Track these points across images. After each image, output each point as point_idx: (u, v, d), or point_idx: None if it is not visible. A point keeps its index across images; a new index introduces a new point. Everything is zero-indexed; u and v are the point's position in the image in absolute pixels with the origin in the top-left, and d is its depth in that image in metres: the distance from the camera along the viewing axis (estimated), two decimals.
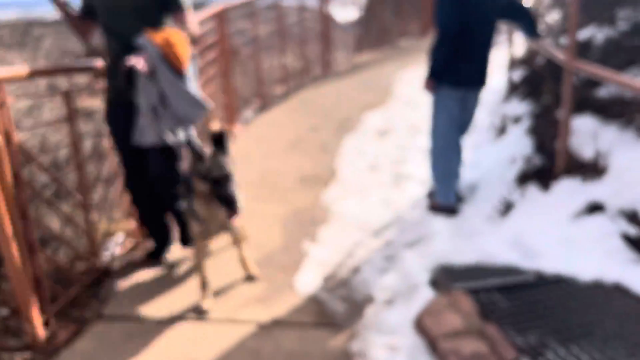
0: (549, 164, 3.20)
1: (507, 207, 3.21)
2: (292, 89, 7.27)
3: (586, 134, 3.05)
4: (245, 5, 6.11)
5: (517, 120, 4.01)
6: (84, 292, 2.89)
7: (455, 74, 3.31)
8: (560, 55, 3.18)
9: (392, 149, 5.04)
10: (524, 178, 3.32)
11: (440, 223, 3.45)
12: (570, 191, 2.94)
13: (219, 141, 2.45)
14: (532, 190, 3.16)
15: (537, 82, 4.17)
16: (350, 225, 3.65)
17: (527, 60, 4.76)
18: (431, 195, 3.94)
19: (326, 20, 7.78)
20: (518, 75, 4.75)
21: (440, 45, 3.23)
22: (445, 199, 3.57)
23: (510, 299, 2.44)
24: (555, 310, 2.32)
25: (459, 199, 3.75)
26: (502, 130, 4.17)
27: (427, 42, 9.34)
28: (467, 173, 3.87)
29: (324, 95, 6.83)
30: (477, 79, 3.39)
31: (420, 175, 4.36)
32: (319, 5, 7.80)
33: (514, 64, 4.92)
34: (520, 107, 4.15)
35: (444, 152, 3.52)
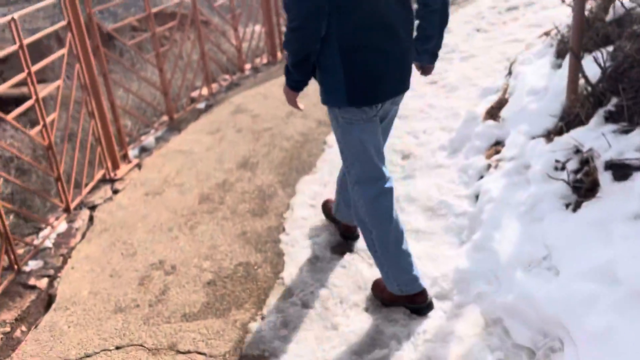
0: None
1: None
2: (221, 91, 5.13)
3: None
4: None
5: (620, 174, 2.02)
6: None
7: (350, 81, 1.80)
8: None
9: None
10: None
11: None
12: None
13: None
14: None
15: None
16: None
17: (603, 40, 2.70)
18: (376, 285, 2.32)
19: None
20: (589, 74, 2.68)
21: (300, 22, 1.72)
22: (403, 284, 2.06)
23: None
24: None
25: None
26: (576, 203, 2.17)
27: None
28: None
29: (268, 99, 4.70)
30: (396, 80, 1.89)
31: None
32: None
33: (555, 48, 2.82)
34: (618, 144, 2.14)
35: (376, 211, 2.06)
